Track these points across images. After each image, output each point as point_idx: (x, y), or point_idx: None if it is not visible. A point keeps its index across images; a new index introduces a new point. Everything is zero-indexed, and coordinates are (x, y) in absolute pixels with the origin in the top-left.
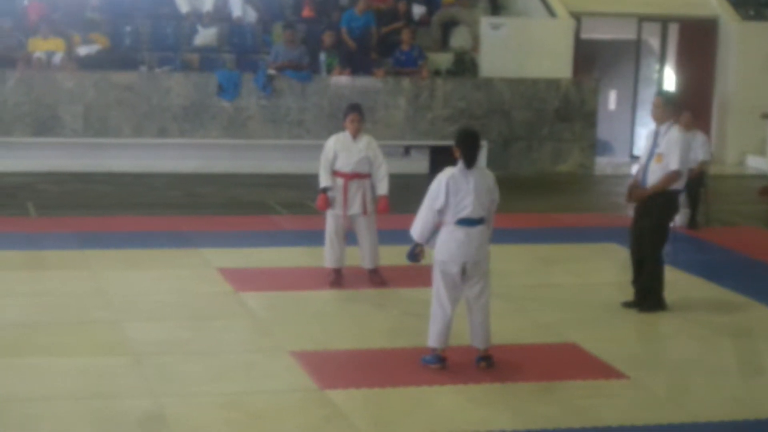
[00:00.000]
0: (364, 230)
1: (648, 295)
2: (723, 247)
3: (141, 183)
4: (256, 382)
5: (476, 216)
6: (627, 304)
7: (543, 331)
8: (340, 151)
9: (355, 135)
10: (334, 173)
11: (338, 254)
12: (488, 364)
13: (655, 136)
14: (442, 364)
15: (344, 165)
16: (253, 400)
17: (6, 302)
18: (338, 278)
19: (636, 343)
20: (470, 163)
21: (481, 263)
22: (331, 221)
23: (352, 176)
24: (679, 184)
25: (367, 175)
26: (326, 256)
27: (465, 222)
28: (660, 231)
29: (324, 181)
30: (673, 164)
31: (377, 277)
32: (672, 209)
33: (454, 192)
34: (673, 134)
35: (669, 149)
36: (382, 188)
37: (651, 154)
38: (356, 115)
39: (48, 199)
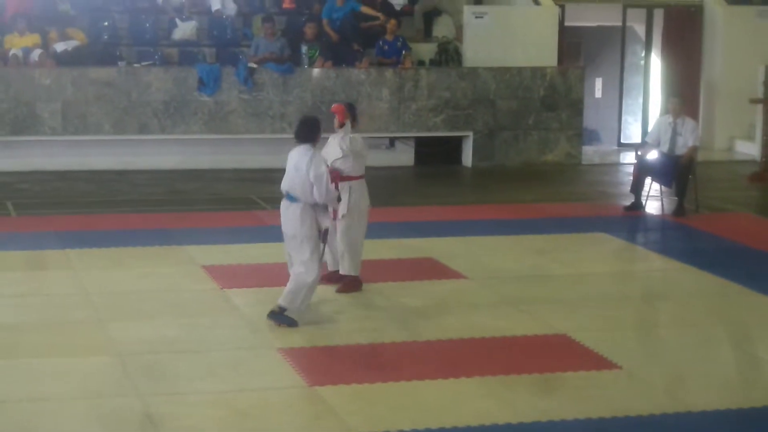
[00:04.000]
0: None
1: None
2: (713, 234)
3: (122, 180)
4: (245, 380)
5: (285, 188)
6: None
7: (534, 323)
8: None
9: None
10: None
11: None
12: (274, 318)
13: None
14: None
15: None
16: (241, 398)
17: None
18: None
19: (628, 333)
20: (298, 138)
21: (293, 239)
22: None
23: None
24: None
25: (345, 178)
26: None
27: (285, 194)
28: None
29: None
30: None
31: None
32: None
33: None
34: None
35: None
36: None
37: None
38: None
39: (28, 198)
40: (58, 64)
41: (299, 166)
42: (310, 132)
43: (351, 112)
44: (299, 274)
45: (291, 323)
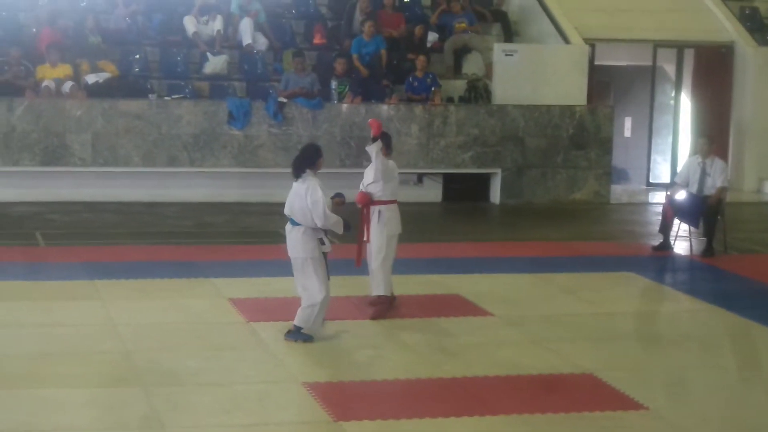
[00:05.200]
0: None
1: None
2: (741, 275)
3: (151, 212)
4: (269, 414)
5: (287, 212)
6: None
7: (560, 361)
8: None
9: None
10: None
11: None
12: (291, 337)
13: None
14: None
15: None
16: None
17: (15, 333)
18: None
19: (655, 373)
20: (293, 170)
21: (296, 261)
22: None
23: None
24: None
25: (375, 202)
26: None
27: (289, 218)
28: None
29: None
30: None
31: (374, 307)
32: None
33: None
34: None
35: None
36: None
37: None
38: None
39: (56, 228)
40: (88, 95)
41: (299, 192)
42: (304, 162)
43: (385, 141)
44: (307, 296)
45: (307, 339)
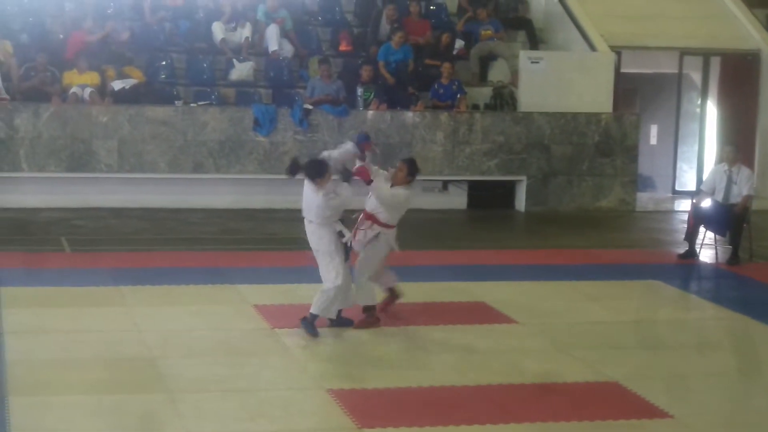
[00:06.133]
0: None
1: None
2: (766, 284)
3: (176, 218)
4: (294, 420)
5: (304, 214)
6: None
7: (585, 369)
8: None
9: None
10: None
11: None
12: (303, 324)
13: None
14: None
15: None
16: None
17: (41, 339)
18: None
19: (680, 381)
20: (307, 175)
21: (316, 254)
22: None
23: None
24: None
25: (378, 222)
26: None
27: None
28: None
29: None
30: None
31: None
32: None
33: None
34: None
35: None
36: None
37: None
38: (399, 163)
39: (82, 234)
40: (115, 102)
41: (312, 197)
42: (311, 174)
43: (410, 167)
44: (324, 283)
45: (313, 333)
